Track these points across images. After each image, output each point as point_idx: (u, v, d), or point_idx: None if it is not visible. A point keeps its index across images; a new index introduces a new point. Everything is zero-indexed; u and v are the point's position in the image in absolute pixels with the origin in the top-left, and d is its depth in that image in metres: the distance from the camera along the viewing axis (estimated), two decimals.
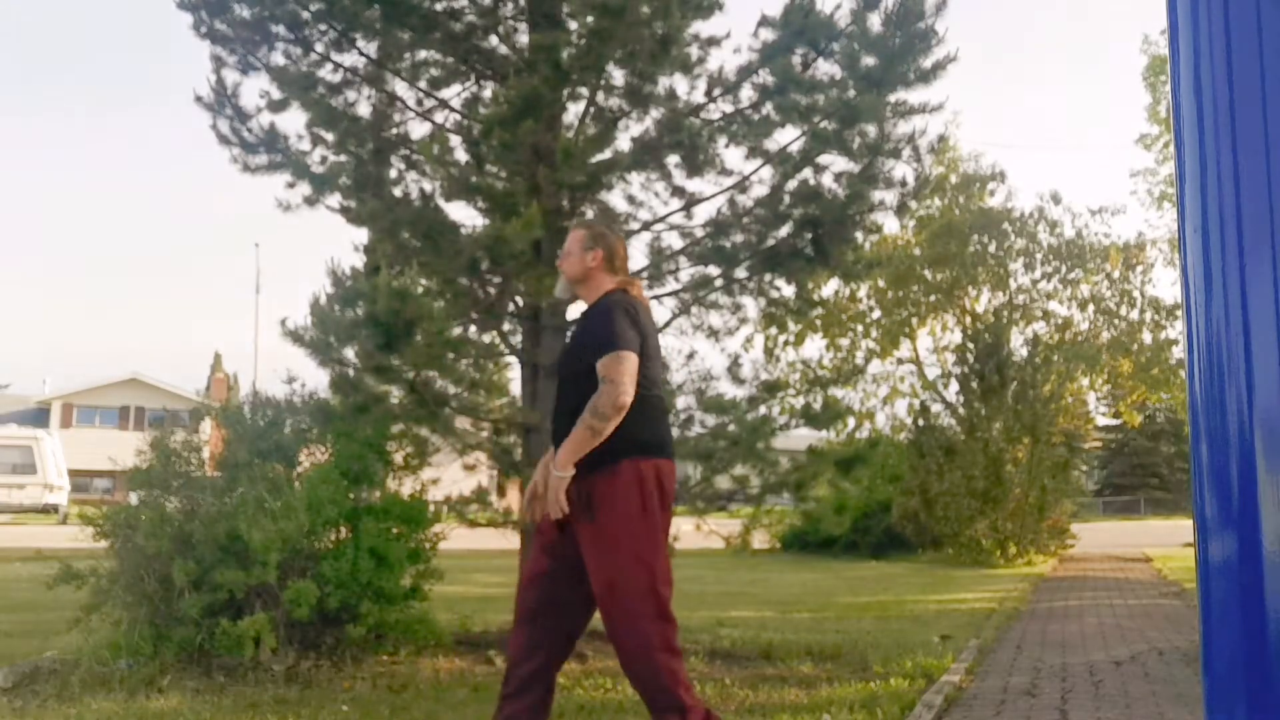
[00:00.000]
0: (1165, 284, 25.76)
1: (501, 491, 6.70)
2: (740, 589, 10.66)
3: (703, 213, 6.31)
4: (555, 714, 4.03)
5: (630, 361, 3.11)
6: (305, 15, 5.88)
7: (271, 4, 5.79)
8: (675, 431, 6.00)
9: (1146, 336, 24.11)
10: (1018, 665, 5.56)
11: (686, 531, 6.62)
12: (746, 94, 5.93)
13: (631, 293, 3.36)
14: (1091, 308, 24.48)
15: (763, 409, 6.08)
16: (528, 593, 3.29)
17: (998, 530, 15.23)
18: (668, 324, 6.38)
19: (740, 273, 6.27)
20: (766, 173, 6.12)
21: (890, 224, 14.85)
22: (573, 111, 6.15)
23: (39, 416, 39.51)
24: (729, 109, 6.00)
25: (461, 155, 5.89)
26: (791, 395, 6.47)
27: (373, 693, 4.61)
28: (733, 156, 6.26)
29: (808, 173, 6.03)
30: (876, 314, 24.37)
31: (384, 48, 6.15)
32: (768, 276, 6.26)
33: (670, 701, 3.09)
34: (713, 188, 6.21)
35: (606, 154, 5.83)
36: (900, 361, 25.06)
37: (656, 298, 6.38)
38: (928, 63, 5.58)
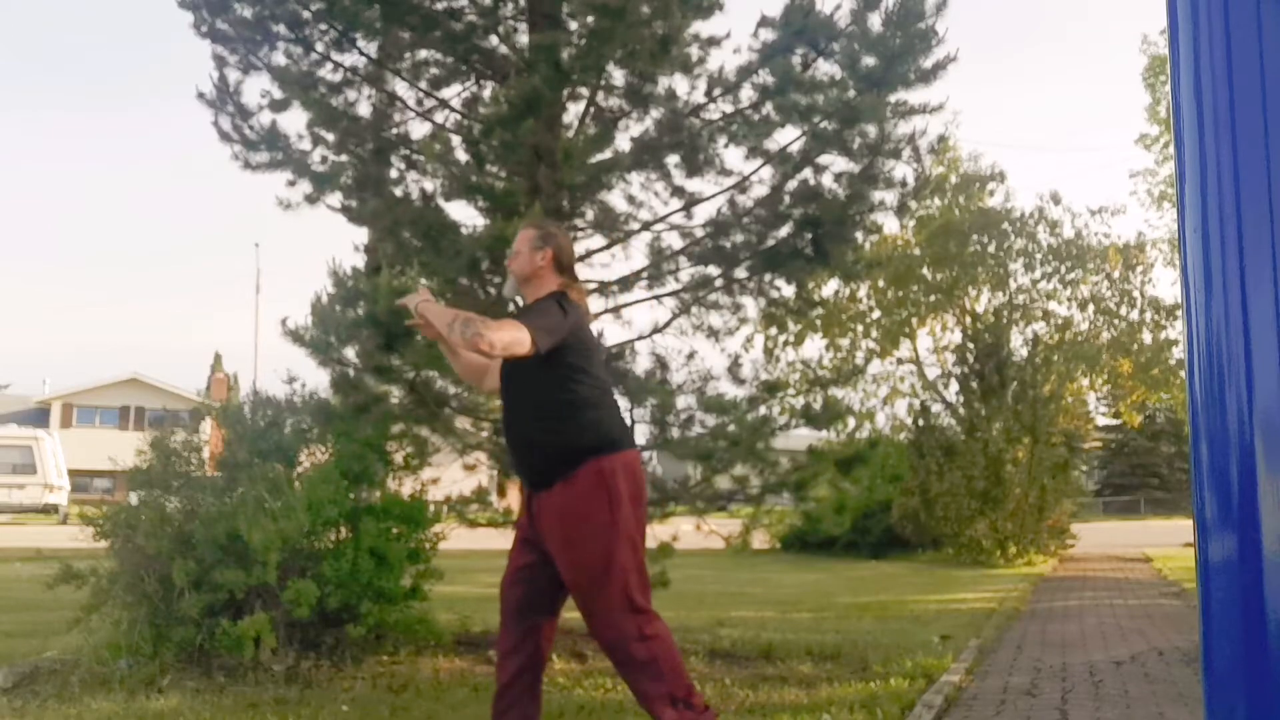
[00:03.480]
0: (1165, 284, 25.81)
1: (501, 491, 6.70)
2: (740, 589, 10.66)
3: (703, 213, 6.32)
4: (555, 714, 4.04)
5: (522, 344, 3.07)
6: (306, 15, 5.88)
7: (272, 3, 5.79)
8: (675, 432, 6.00)
9: (1146, 336, 24.13)
10: (1018, 665, 5.56)
11: (686, 531, 6.63)
12: (746, 94, 5.93)
13: (572, 295, 3.36)
14: (1091, 308, 24.51)
15: (763, 409, 6.08)
16: (512, 589, 3.31)
17: (998, 530, 15.23)
18: (668, 324, 6.39)
19: (740, 273, 6.27)
20: (766, 173, 6.12)
21: (890, 224, 14.85)
22: (573, 111, 6.15)
23: (39, 416, 39.50)
24: (729, 109, 6.00)
25: (462, 155, 5.90)
26: (791, 395, 6.47)
27: (373, 693, 4.61)
28: (733, 156, 6.26)
29: (808, 173, 6.03)
30: (876, 314, 24.39)
31: (384, 48, 6.15)
32: (768, 276, 6.26)
33: (661, 690, 3.10)
34: (713, 188, 6.22)
35: (607, 154, 5.83)
36: (900, 361, 25.10)
37: (656, 298, 6.38)
38: (928, 63, 5.58)
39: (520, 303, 3.48)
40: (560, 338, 3.16)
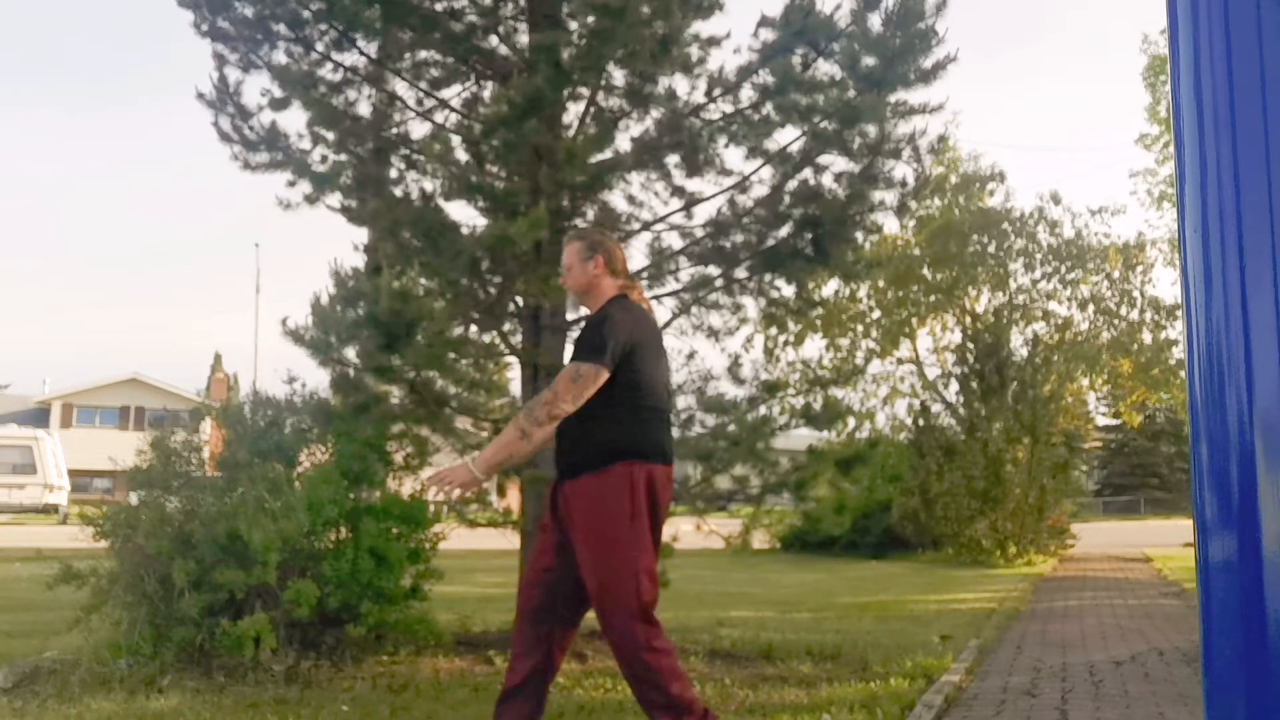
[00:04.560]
0: (1165, 284, 25.81)
1: (501, 491, 6.70)
2: (740, 589, 10.66)
3: (703, 213, 6.32)
4: (555, 714, 4.04)
5: (586, 380, 3.14)
6: (306, 14, 5.88)
7: (272, 3, 5.79)
8: (675, 432, 5.99)
9: (1146, 336, 24.14)
10: (1018, 665, 5.56)
11: (686, 531, 6.63)
12: (746, 94, 5.93)
13: (633, 297, 3.38)
14: (1091, 308, 24.52)
15: (763, 409, 6.08)
16: (532, 589, 3.32)
17: (998, 530, 15.23)
18: (668, 324, 6.38)
19: (740, 273, 6.27)
20: (766, 173, 6.12)
21: (890, 224, 14.86)
22: (573, 111, 6.15)
23: (39, 416, 39.51)
24: (729, 109, 6.00)
25: (462, 155, 5.90)
26: (791, 395, 6.46)
27: (373, 693, 4.61)
28: (733, 156, 6.27)
29: (808, 173, 6.03)
30: (876, 314, 24.40)
31: (384, 48, 6.15)
32: (768, 276, 6.26)
33: (663, 700, 3.12)
34: (713, 188, 6.22)
35: (607, 154, 5.82)
36: (900, 361, 25.10)
37: (656, 298, 6.37)
38: (928, 63, 5.58)
39: (585, 312, 3.51)
40: (623, 341, 3.19)
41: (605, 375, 3.15)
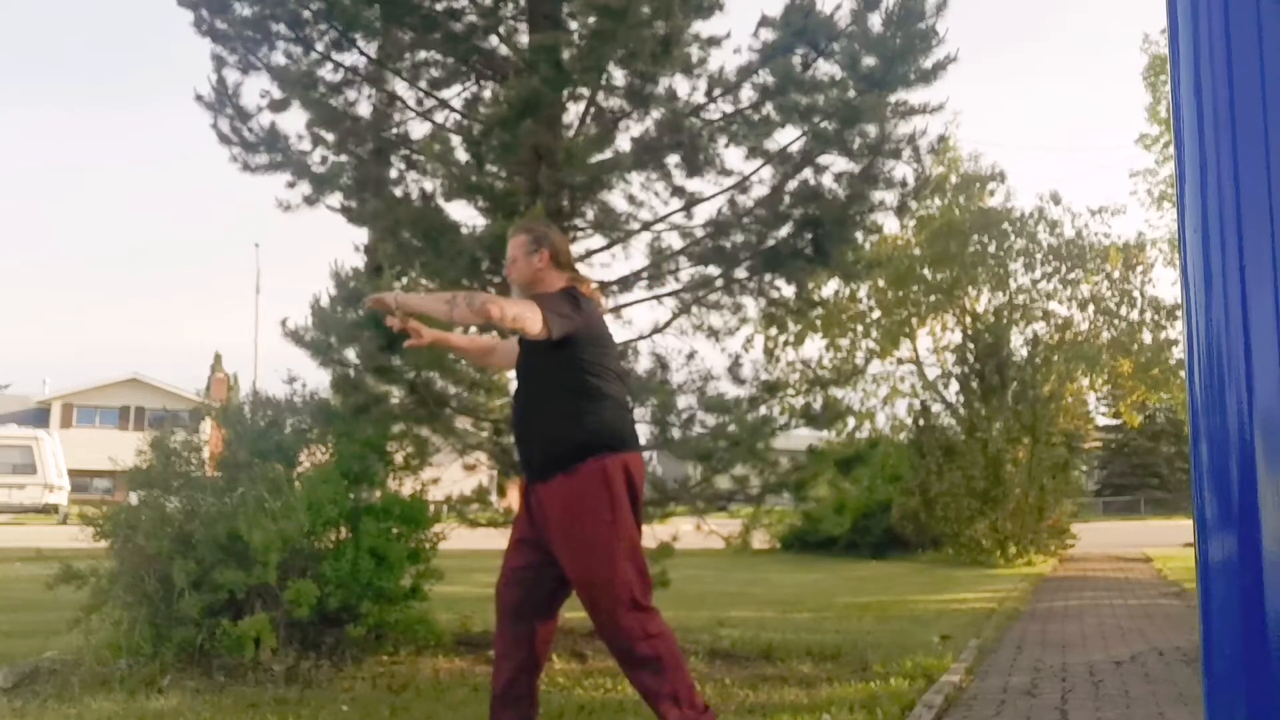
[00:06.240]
0: (1165, 284, 25.79)
1: (502, 491, 6.70)
2: (740, 589, 10.66)
3: (703, 213, 6.32)
4: (555, 714, 4.04)
5: (532, 313, 3.03)
6: (306, 15, 5.88)
7: (272, 3, 5.79)
8: (675, 431, 6.00)
9: (1146, 336, 24.13)
10: (1018, 665, 5.56)
11: (686, 531, 6.63)
12: (747, 94, 5.93)
13: (583, 290, 3.35)
14: (1091, 308, 24.51)
15: (763, 409, 6.08)
16: (508, 590, 3.31)
17: (998, 530, 15.22)
18: (668, 324, 6.38)
19: (740, 273, 6.27)
20: (766, 173, 6.13)
21: (890, 224, 14.86)
22: (573, 111, 6.15)
23: (39, 416, 39.51)
24: (729, 109, 6.00)
25: (462, 155, 5.90)
26: (791, 395, 6.47)
27: (373, 693, 4.61)
28: (733, 156, 6.26)
29: (808, 173, 6.03)
30: (876, 314, 24.39)
31: (384, 48, 6.15)
32: (768, 276, 6.26)
33: (666, 688, 3.11)
34: (713, 188, 6.22)
35: (607, 154, 5.83)
36: (900, 361, 25.09)
37: (656, 298, 6.38)
38: (928, 63, 5.58)
39: None
40: (573, 328, 3.14)
41: (545, 334, 3.05)
